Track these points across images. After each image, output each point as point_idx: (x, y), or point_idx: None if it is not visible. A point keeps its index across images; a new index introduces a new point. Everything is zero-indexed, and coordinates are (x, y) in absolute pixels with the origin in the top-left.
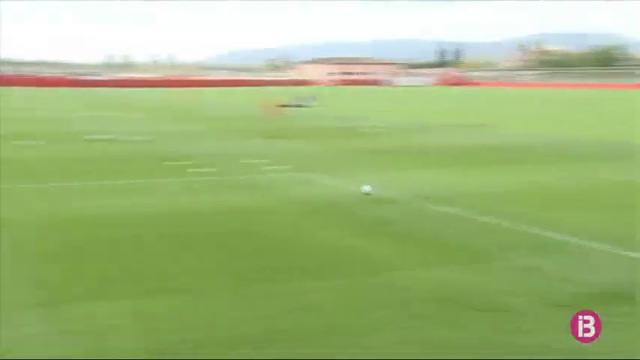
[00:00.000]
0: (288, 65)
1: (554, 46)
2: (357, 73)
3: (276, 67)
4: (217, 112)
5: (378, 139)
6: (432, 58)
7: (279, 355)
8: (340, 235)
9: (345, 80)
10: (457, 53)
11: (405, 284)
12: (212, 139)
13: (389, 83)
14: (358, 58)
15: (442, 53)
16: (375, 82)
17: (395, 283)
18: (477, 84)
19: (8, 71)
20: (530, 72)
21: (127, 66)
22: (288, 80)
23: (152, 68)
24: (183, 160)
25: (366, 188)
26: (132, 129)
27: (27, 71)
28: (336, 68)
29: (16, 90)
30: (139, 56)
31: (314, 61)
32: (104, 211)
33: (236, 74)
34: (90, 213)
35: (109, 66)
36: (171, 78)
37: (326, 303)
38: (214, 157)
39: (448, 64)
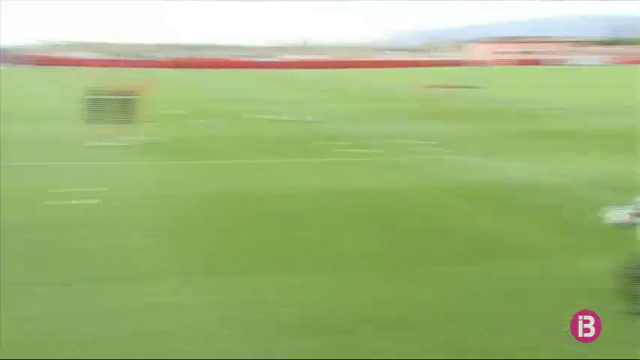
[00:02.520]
0: (455, 46)
1: None
2: (529, 52)
3: (439, 48)
4: (380, 92)
5: (548, 122)
6: (602, 34)
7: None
8: (499, 221)
9: (521, 60)
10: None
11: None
12: (373, 120)
13: (561, 62)
14: (527, 37)
15: (616, 29)
16: (538, 62)
17: (550, 273)
18: None
19: (185, 55)
20: None
21: (295, 48)
22: (453, 61)
23: (321, 50)
24: (344, 140)
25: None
26: (301, 109)
27: (204, 54)
28: (503, 47)
29: (193, 72)
30: (299, 38)
31: (480, 41)
32: (269, 188)
33: (400, 55)
34: (257, 190)
35: (282, 48)
36: (339, 60)
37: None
38: (374, 139)
39: (623, 42)
